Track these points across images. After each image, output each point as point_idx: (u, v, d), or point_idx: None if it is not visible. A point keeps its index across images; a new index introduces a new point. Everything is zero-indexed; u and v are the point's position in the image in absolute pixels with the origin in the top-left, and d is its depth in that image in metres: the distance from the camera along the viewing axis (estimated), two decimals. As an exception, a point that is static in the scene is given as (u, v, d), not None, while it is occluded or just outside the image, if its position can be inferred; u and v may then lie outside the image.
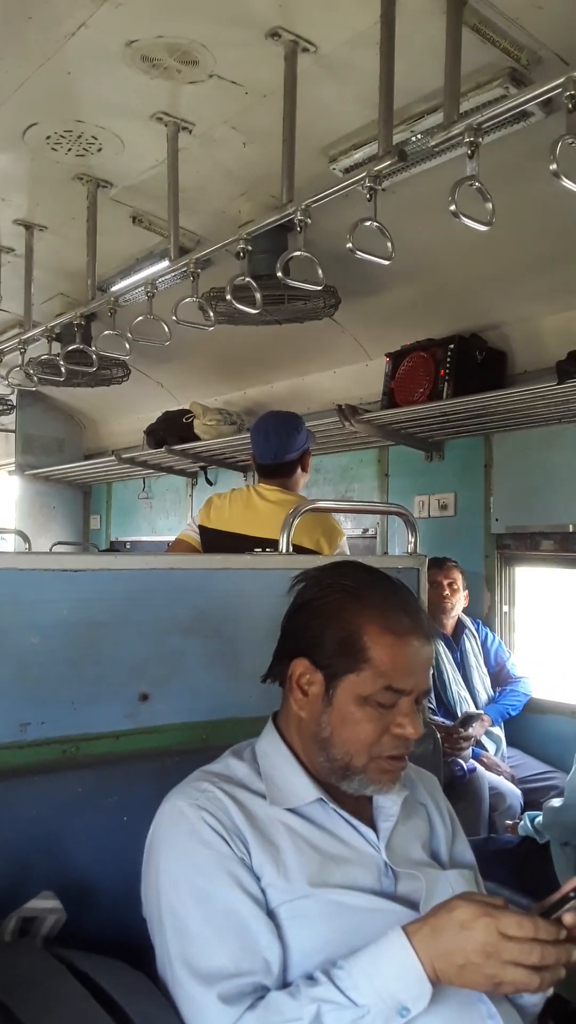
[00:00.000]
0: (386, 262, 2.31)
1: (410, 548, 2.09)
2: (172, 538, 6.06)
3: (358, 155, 2.87)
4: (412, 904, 1.30)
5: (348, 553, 3.12)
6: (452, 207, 2.03)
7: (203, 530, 3.11)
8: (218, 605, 1.71)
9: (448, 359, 3.76)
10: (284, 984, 1.19)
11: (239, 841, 1.26)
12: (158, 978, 1.23)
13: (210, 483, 5.67)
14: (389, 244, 2.28)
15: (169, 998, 1.20)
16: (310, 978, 1.16)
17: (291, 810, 1.33)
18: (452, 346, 3.78)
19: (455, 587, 3.81)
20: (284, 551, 1.89)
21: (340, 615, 1.33)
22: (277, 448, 3.11)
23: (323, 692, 1.33)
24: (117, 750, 1.57)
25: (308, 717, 1.35)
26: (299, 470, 3.16)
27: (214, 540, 3.04)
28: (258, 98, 2.70)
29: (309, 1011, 1.10)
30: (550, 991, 1.20)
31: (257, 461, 3.20)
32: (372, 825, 1.37)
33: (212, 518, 3.11)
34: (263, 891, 1.24)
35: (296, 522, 1.91)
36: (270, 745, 1.40)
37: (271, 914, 1.23)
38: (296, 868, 1.26)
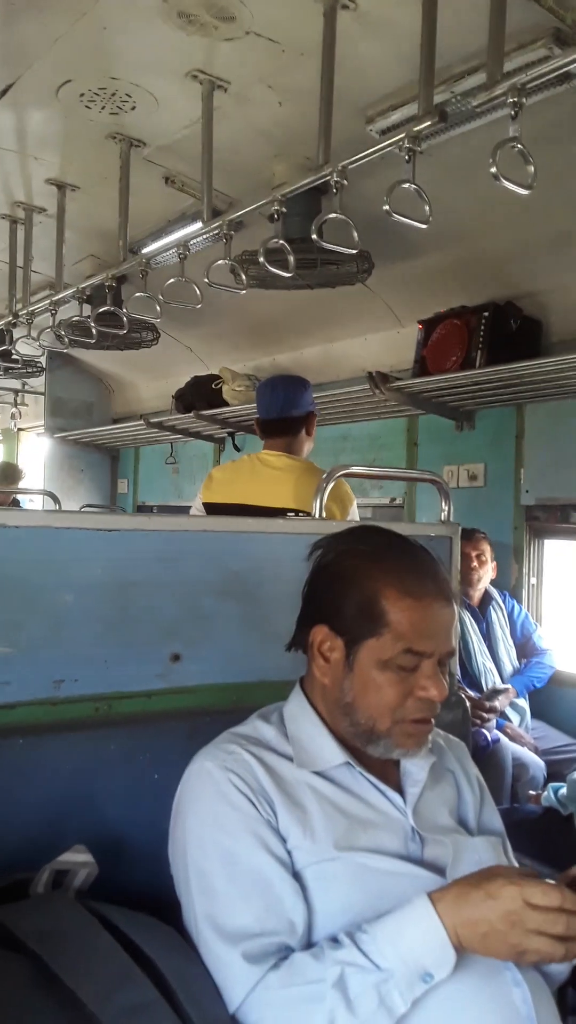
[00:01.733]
0: (423, 226, 2.27)
1: (443, 516, 2.07)
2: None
3: (395, 116, 2.82)
4: (438, 869, 1.30)
5: (358, 518, 3.06)
6: (493, 169, 1.99)
7: (209, 507, 3.06)
8: (251, 568, 1.71)
9: (482, 327, 3.71)
10: (308, 945, 1.20)
11: (265, 803, 1.27)
12: (187, 932, 1.25)
13: (237, 448, 5.66)
14: (427, 207, 2.25)
15: (198, 953, 1.21)
16: (334, 940, 1.17)
17: (318, 773, 1.33)
18: (487, 314, 3.72)
19: (483, 559, 3.79)
20: (317, 516, 1.89)
21: (358, 580, 1.33)
22: (284, 401, 3.06)
23: (344, 658, 1.32)
24: (149, 709, 1.58)
25: (331, 683, 1.35)
26: (303, 432, 3.09)
27: (224, 515, 2.90)
28: (295, 56, 2.66)
29: (332, 973, 1.11)
30: (575, 961, 1.20)
31: (262, 419, 3.14)
32: (399, 790, 1.37)
33: (216, 492, 3.06)
34: (289, 853, 1.25)
35: (329, 487, 1.91)
36: (298, 708, 1.41)
37: (297, 876, 1.24)
38: (323, 830, 1.27)
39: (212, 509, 3.03)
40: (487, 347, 3.68)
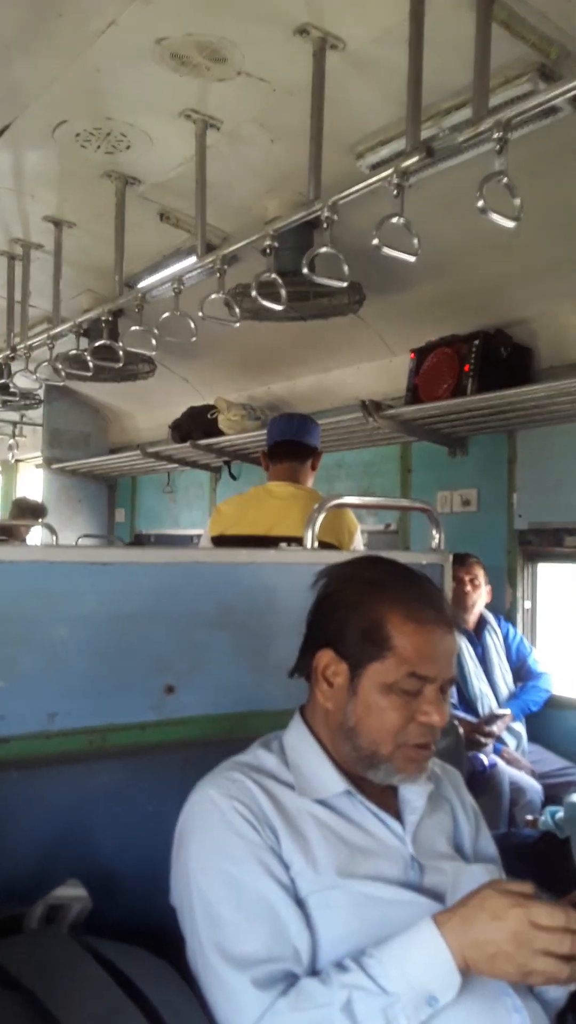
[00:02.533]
0: (412, 258, 2.30)
1: (434, 544, 2.09)
2: (195, 531, 6.13)
3: (384, 151, 2.86)
4: (438, 896, 1.31)
5: (362, 546, 3.15)
6: (480, 203, 2.03)
7: (218, 540, 3.07)
8: (244, 599, 1.72)
9: (473, 355, 3.75)
10: (311, 972, 1.21)
11: (269, 830, 1.28)
12: (182, 967, 1.25)
13: (233, 477, 5.68)
14: (415, 240, 2.28)
15: (194, 986, 1.22)
16: (340, 966, 1.17)
17: (319, 801, 1.34)
18: (477, 342, 3.76)
19: (476, 583, 3.80)
20: (310, 546, 1.91)
21: (363, 605, 1.35)
22: (299, 427, 3.22)
23: (348, 682, 1.34)
24: (143, 741, 1.59)
25: (334, 708, 1.36)
26: (309, 463, 3.21)
27: (231, 547, 2.91)
28: (285, 95, 2.71)
29: (340, 997, 1.12)
30: (573, 985, 1.21)
31: (276, 441, 3.25)
32: (398, 818, 1.38)
33: (224, 525, 3.10)
34: (292, 880, 1.26)
35: (321, 518, 1.92)
36: (298, 737, 1.42)
37: (300, 903, 1.25)
38: (324, 859, 1.28)
39: (221, 542, 3.04)
40: (478, 375, 3.71)
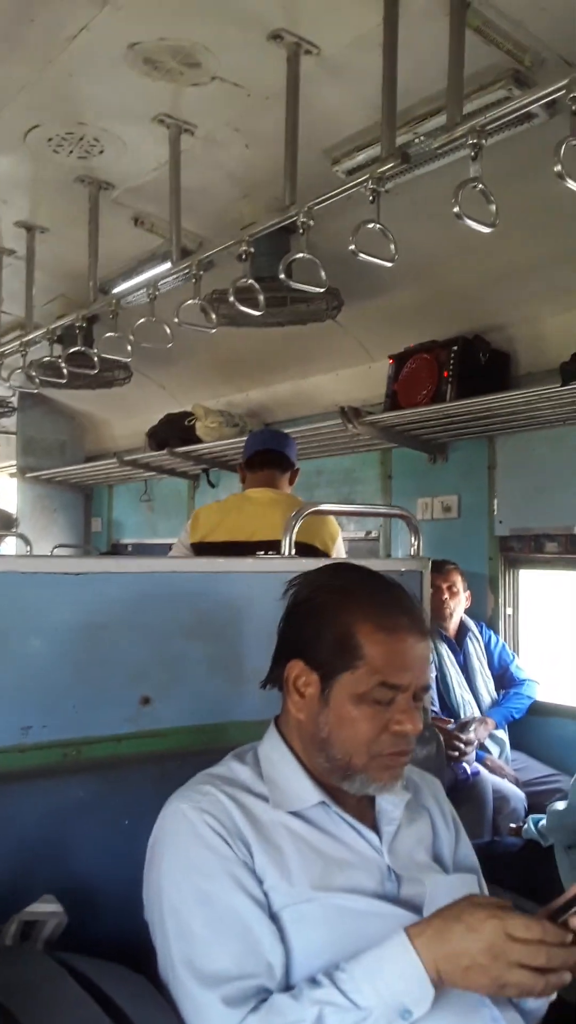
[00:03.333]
0: (389, 264, 2.30)
1: (413, 551, 2.08)
2: (173, 540, 6.08)
3: (361, 157, 2.87)
4: (415, 908, 1.29)
5: (344, 553, 3.14)
6: (455, 209, 2.03)
7: (197, 547, 3.06)
8: (220, 608, 1.71)
9: (451, 361, 3.75)
10: (286, 987, 1.19)
11: (241, 844, 1.26)
12: (159, 981, 1.23)
13: (212, 485, 5.66)
14: (392, 246, 2.28)
15: (170, 1001, 1.19)
16: (312, 980, 1.16)
17: (294, 813, 1.32)
18: (455, 348, 3.77)
19: (454, 590, 3.80)
20: (287, 553, 1.89)
21: (332, 615, 1.33)
22: (278, 439, 3.30)
23: (319, 692, 1.32)
24: (119, 753, 1.57)
25: (306, 718, 1.34)
26: (288, 475, 3.26)
27: (212, 553, 2.98)
28: (260, 100, 2.70)
29: (311, 1013, 1.10)
30: (554, 995, 1.20)
31: (256, 450, 3.27)
32: (375, 829, 1.37)
33: (203, 531, 3.09)
34: (266, 894, 1.24)
35: (298, 525, 1.91)
36: (272, 748, 1.40)
37: (274, 917, 1.23)
38: (299, 871, 1.26)
39: (201, 549, 3.03)
40: (457, 380, 3.72)
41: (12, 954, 1.18)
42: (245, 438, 4.57)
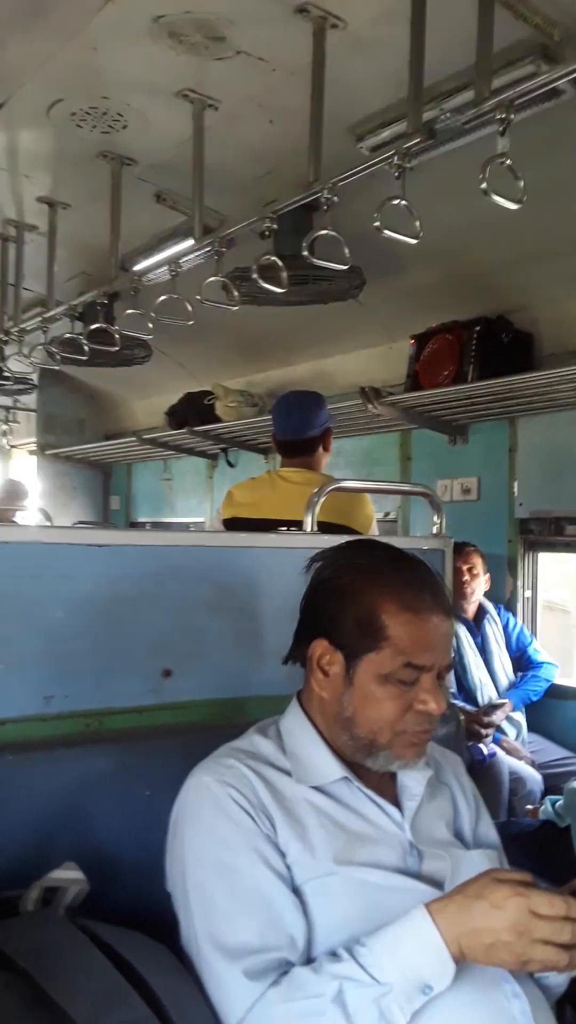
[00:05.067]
0: (413, 241, 2.29)
1: (435, 529, 2.07)
2: (192, 519, 6.10)
3: (385, 134, 2.84)
4: (436, 883, 1.29)
5: (377, 531, 3.08)
6: (483, 185, 2.01)
7: (231, 523, 3.02)
8: (242, 583, 1.70)
9: (474, 341, 3.73)
10: (308, 960, 1.19)
11: (265, 817, 1.26)
12: (180, 951, 1.23)
13: (231, 465, 5.66)
14: (417, 223, 2.27)
15: (191, 971, 1.20)
16: (333, 955, 1.16)
17: (316, 788, 1.32)
18: (478, 328, 3.74)
19: (474, 572, 3.79)
20: (309, 530, 1.89)
21: (356, 594, 1.32)
22: (300, 423, 3.07)
23: (344, 672, 1.32)
24: (140, 725, 1.57)
25: (330, 697, 1.34)
26: (320, 449, 3.08)
27: (244, 530, 2.84)
28: (285, 75, 2.68)
29: (331, 988, 1.10)
30: (574, 972, 1.20)
31: (278, 439, 3.15)
32: (397, 804, 1.37)
33: (237, 508, 3.05)
34: (288, 868, 1.24)
35: (322, 501, 1.90)
36: (295, 723, 1.40)
37: (296, 891, 1.23)
38: (321, 845, 1.26)
39: (234, 525, 2.99)
40: (479, 361, 3.69)
41: (34, 920, 1.18)
42: (265, 417, 4.61)
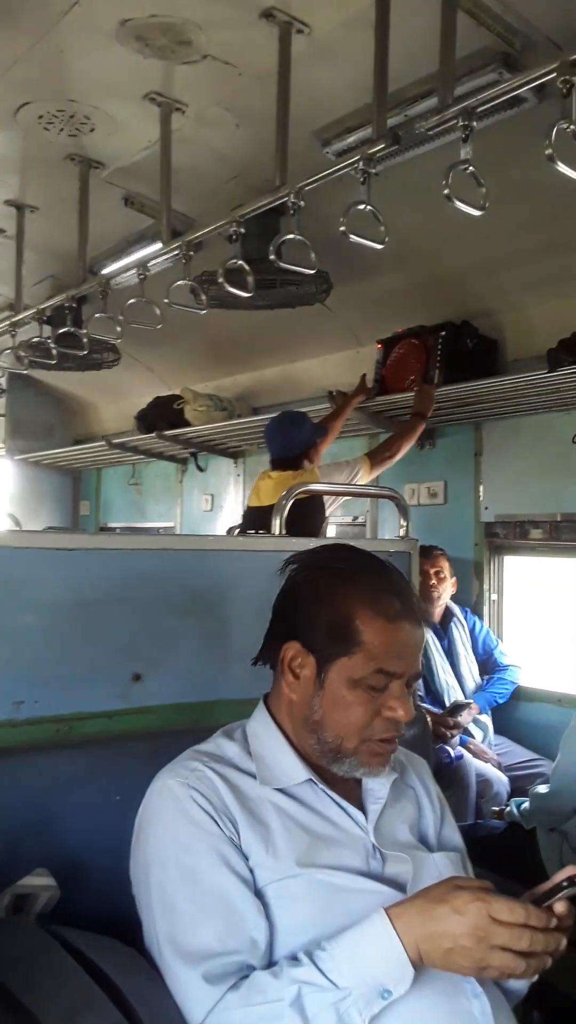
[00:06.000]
0: (379, 246, 2.30)
1: (402, 532, 2.09)
2: (162, 524, 6.10)
3: (351, 139, 2.86)
4: (399, 886, 1.30)
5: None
6: (446, 191, 2.03)
7: (246, 511, 3.79)
8: (211, 586, 1.71)
9: (439, 346, 3.76)
10: (270, 963, 1.20)
11: (228, 820, 1.26)
12: (148, 954, 1.23)
13: (200, 469, 5.66)
14: (382, 228, 2.28)
15: (160, 973, 1.20)
16: (293, 959, 1.16)
17: (280, 790, 1.33)
18: (443, 333, 3.77)
19: (441, 575, 3.81)
20: (277, 533, 1.90)
21: (331, 598, 1.33)
22: (282, 445, 3.66)
23: (315, 675, 1.32)
24: (110, 730, 1.57)
25: (299, 700, 1.35)
26: (305, 462, 3.61)
27: (249, 515, 3.68)
28: (252, 79, 2.69)
29: (290, 992, 1.10)
30: (535, 977, 1.21)
31: (270, 456, 3.73)
32: (361, 807, 1.37)
33: (250, 499, 3.81)
34: (251, 870, 1.25)
35: (289, 505, 1.92)
36: (261, 726, 1.40)
37: (259, 893, 1.23)
38: (285, 848, 1.26)
39: (246, 512, 3.77)
40: (444, 366, 3.72)
41: (5, 927, 1.18)
42: (234, 421, 4.68)
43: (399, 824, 1.40)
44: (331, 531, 4.78)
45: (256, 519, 3.56)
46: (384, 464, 3.78)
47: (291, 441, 3.64)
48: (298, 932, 1.21)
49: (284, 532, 1.90)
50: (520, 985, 1.32)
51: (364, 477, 3.69)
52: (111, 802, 1.44)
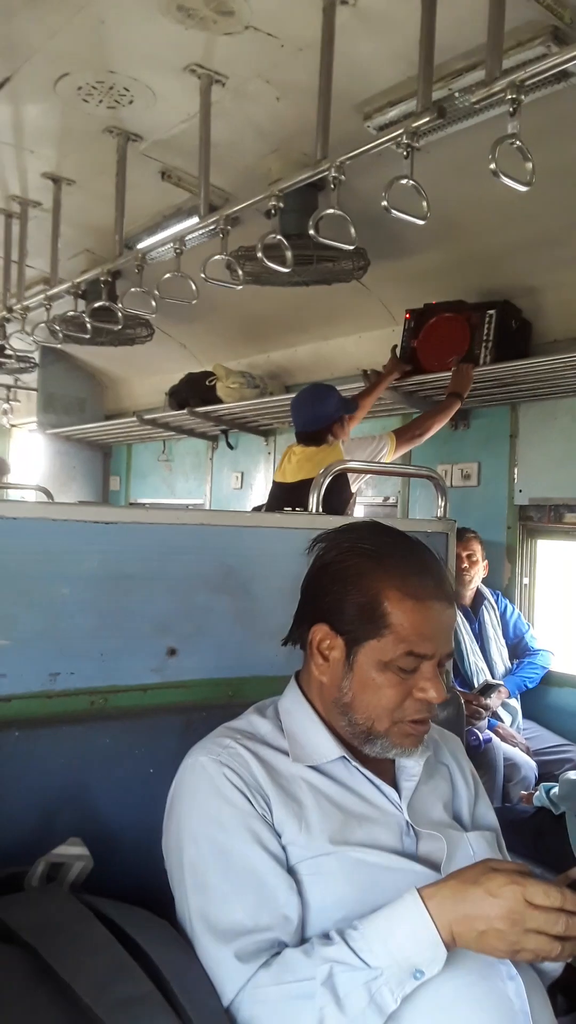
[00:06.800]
0: (421, 222, 2.27)
1: (439, 512, 2.07)
2: (191, 501, 6.14)
3: (393, 113, 2.82)
4: (433, 864, 1.29)
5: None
6: (492, 165, 1.99)
7: (274, 485, 3.82)
8: (246, 563, 1.70)
9: (488, 325, 3.69)
10: (302, 940, 1.20)
11: (260, 798, 1.26)
12: (180, 927, 1.24)
13: (231, 447, 5.65)
14: (424, 203, 2.25)
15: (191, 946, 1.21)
16: (325, 937, 1.16)
17: (314, 768, 1.33)
18: (492, 312, 3.70)
19: (473, 558, 3.79)
20: (313, 511, 1.88)
21: (360, 580, 1.31)
22: (306, 419, 3.62)
23: (344, 658, 1.31)
24: (144, 703, 1.58)
25: (329, 682, 1.34)
26: (329, 437, 3.59)
27: (278, 490, 3.74)
28: (293, 51, 2.65)
29: (322, 971, 1.10)
30: (570, 958, 1.20)
31: (295, 431, 3.72)
32: (394, 784, 1.37)
33: (275, 475, 3.85)
34: (284, 848, 1.24)
35: (326, 483, 1.90)
36: (293, 703, 1.40)
37: (292, 871, 1.23)
38: (318, 825, 1.26)
39: (274, 486, 3.83)
40: (493, 346, 3.66)
41: (38, 895, 1.19)
42: (266, 399, 4.67)
43: (433, 802, 1.40)
44: (361, 512, 4.77)
45: (280, 495, 3.60)
46: (412, 443, 3.74)
47: (316, 415, 3.60)
48: (331, 910, 1.21)
49: (320, 510, 1.89)
50: (555, 966, 1.31)
51: (389, 455, 3.65)
52: (144, 774, 1.45)
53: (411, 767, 1.39)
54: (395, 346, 4.03)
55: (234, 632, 1.69)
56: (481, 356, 3.68)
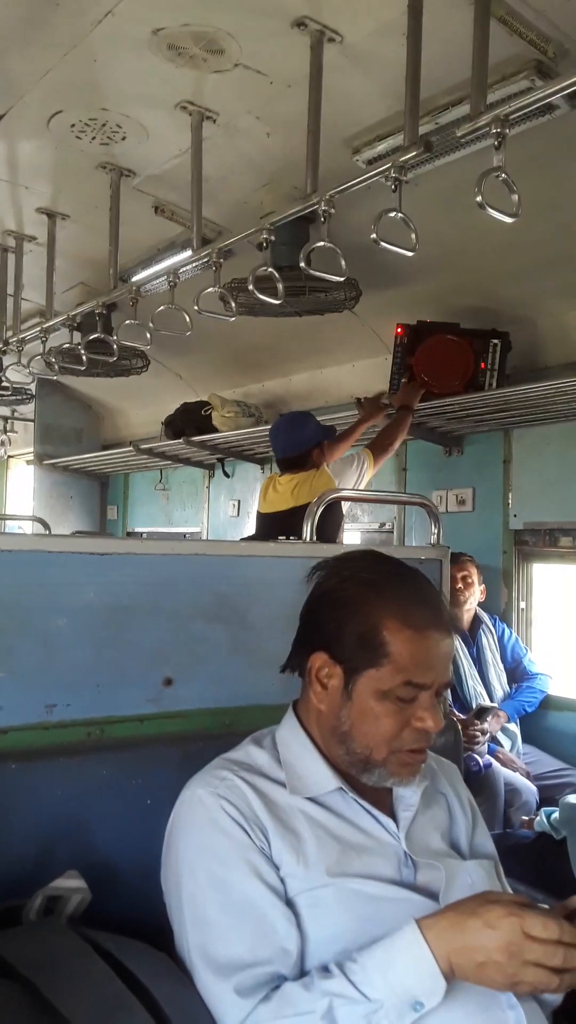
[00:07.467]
0: (410, 253, 2.30)
1: (433, 539, 2.08)
2: (188, 530, 6.14)
3: (381, 147, 2.87)
4: (431, 894, 1.29)
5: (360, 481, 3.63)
6: (478, 198, 2.02)
7: (258, 516, 3.82)
8: (241, 592, 1.71)
9: (491, 352, 3.70)
10: (302, 972, 1.19)
11: (258, 830, 1.26)
12: (179, 960, 1.24)
13: (227, 475, 5.67)
14: (413, 235, 2.28)
15: (192, 979, 1.20)
16: (325, 970, 1.16)
17: (311, 799, 1.33)
18: (496, 341, 3.71)
19: (469, 581, 3.79)
20: (307, 539, 1.90)
21: (359, 609, 1.32)
22: (284, 445, 3.67)
23: (342, 686, 1.32)
24: (141, 733, 1.58)
25: (327, 710, 1.34)
26: (309, 462, 3.59)
27: (261, 521, 3.76)
28: (283, 88, 2.70)
29: (321, 1005, 1.10)
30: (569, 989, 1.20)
31: (275, 457, 3.74)
32: (392, 814, 1.37)
33: (259, 505, 3.84)
34: (282, 880, 1.24)
35: (320, 511, 1.91)
36: (290, 734, 1.40)
37: (290, 903, 1.23)
38: (315, 857, 1.26)
39: (257, 516, 3.84)
40: (498, 372, 3.68)
41: (36, 929, 1.18)
42: (261, 427, 4.70)
43: (431, 831, 1.39)
44: (358, 538, 4.78)
45: (267, 525, 3.59)
46: (385, 455, 3.77)
47: (293, 440, 3.63)
48: (330, 942, 1.21)
49: (314, 538, 1.90)
50: (555, 997, 1.30)
51: (370, 470, 3.67)
52: (142, 806, 1.45)
53: (409, 796, 1.39)
54: (382, 392, 4.02)
55: (231, 661, 1.70)
56: (486, 383, 3.70)
